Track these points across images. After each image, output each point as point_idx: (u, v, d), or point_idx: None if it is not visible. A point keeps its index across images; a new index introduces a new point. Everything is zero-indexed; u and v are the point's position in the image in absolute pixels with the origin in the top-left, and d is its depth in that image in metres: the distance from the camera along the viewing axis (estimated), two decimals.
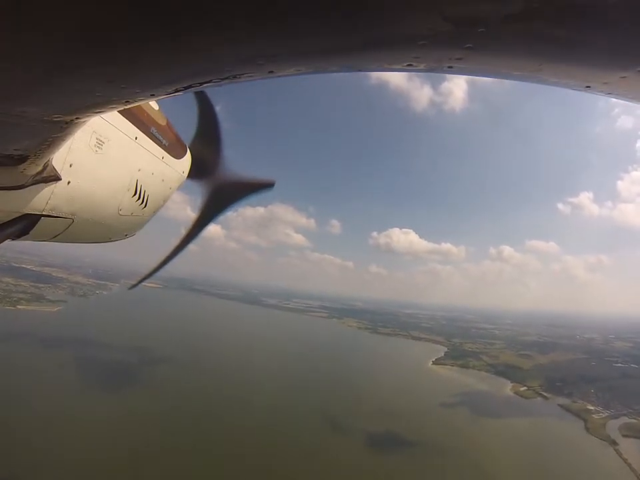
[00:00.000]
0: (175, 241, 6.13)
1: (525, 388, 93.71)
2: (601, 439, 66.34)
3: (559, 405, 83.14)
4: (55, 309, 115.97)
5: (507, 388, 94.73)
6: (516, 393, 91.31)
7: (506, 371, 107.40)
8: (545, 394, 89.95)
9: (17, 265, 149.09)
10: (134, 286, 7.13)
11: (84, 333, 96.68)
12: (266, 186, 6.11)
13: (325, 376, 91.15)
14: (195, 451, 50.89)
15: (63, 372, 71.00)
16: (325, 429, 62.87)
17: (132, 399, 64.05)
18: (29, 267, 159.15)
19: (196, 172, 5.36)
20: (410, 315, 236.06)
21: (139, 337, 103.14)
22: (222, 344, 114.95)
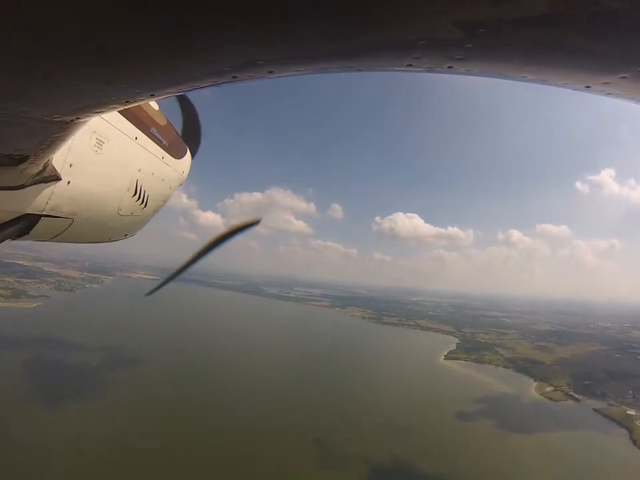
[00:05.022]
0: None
1: (552, 388, 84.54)
2: None
3: (594, 409, 73.88)
4: (33, 305, 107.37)
5: (532, 388, 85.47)
6: (542, 394, 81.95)
7: (526, 367, 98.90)
8: (575, 395, 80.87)
9: (9, 261, 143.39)
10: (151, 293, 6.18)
11: (53, 331, 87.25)
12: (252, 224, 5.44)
13: (323, 378, 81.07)
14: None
15: (3, 378, 60.76)
16: (314, 455, 50.60)
17: (80, 414, 53.94)
18: (20, 262, 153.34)
19: None
20: (416, 303, 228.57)
21: (120, 334, 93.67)
22: (218, 337, 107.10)
